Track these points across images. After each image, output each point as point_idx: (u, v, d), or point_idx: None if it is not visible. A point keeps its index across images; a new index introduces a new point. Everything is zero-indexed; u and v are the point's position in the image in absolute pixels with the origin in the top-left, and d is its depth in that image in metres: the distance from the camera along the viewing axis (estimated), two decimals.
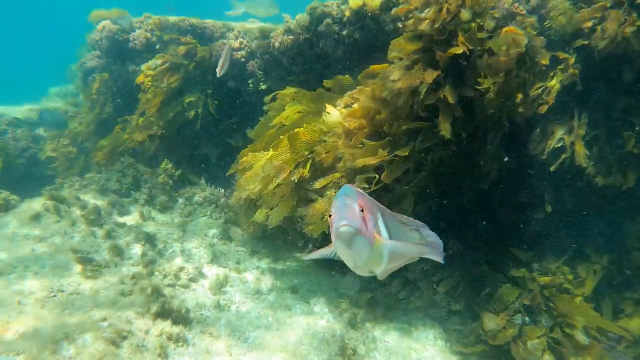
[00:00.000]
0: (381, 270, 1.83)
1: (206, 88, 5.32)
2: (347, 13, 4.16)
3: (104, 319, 2.87)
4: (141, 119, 5.38)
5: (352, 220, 1.46)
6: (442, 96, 2.65)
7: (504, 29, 3.26)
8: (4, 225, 4.32)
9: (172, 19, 5.69)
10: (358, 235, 1.49)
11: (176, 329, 3.09)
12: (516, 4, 4.42)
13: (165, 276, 3.93)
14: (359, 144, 2.93)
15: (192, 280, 4.05)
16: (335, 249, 1.60)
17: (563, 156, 3.77)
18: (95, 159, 5.41)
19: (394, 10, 3.10)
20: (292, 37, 4.49)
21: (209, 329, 3.39)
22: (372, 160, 2.80)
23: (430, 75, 2.62)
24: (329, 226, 1.76)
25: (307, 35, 4.28)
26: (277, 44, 4.78)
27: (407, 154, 2.79)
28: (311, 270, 4.52)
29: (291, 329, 3.68)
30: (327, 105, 3.36)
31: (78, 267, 3.67)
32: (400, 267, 2.07)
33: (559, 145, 3.80)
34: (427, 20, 2.66)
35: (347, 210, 1.48)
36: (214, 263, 4.43)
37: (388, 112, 2.82)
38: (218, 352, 3.18)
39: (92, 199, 4.94)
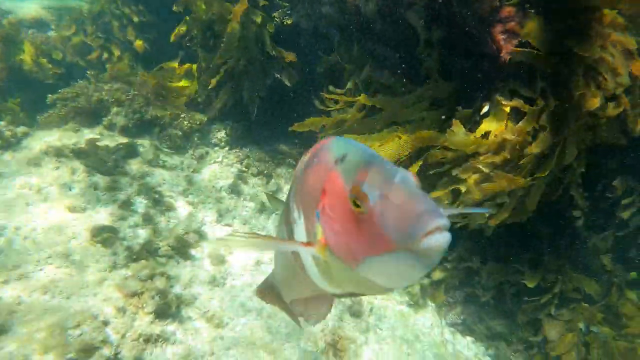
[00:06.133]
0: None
1: None
2: None
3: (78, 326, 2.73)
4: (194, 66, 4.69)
5: (444, 216, 0.82)
6: None
7: None
8: (5, 166, 4.13)
9: None
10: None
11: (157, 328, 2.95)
12: None
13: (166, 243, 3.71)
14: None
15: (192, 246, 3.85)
16: (381, 267, 0.88)
17: None
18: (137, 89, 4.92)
19: None
20: None
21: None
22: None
23: None
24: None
25: None
26: None
27: (546, 173, 2.84)
28: None
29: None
30: (454, 121, 3.02)
31: (69, 232, 3.52)
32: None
33: None
34: None
35: (429, 200, 0.84)
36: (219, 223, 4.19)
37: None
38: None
39: (96, 135, 4.63)
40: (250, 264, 3.89)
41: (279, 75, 4.66)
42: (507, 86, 3.10)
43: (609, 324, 3.87)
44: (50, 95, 5.14)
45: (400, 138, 3.29)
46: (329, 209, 0.97)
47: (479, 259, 3.91)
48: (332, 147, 1.05)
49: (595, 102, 3.02)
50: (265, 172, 4.79)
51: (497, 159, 2.99)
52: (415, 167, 3.15)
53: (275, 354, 3.14)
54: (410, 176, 0.90)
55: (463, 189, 3.06)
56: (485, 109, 3.05)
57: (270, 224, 4.34)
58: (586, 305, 3.75)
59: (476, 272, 3.94)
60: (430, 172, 3.21)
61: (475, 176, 3.05)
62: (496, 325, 3.99)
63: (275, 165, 4.93)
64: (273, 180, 4.75)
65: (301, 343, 3.28)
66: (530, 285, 3.68)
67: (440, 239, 0.79)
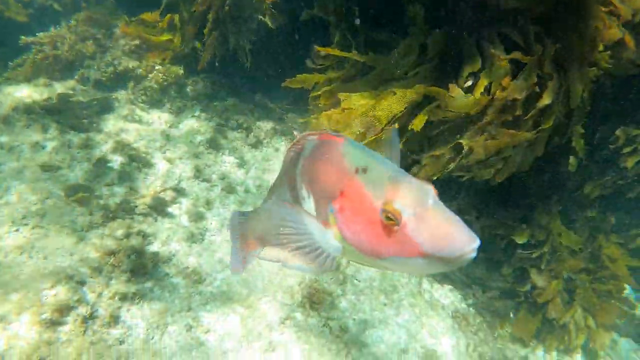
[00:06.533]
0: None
1: None
2: None
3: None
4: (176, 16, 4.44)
5: (476, 238, 1.04)
6: None
7: None
8: None
9: None
10: None
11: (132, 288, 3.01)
12: None
13: (142, 201, 3.70)
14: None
15: (169, 204, 3.84)
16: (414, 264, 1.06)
17: None
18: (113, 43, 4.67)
19: None
20: None
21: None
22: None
23: None
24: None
25: None
26: None
27: (551, 123, 2.85)
28: None
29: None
30: (451, 85, 2.90)
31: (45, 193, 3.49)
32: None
33: None
34: None
35: (463, 223, 1.07)
36: (197, 178, 4.15)
37: None
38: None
39: (69, 90, 4.47)
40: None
41: (261, 17, 4.43)
42: (495, 32, 2.93)
43: (587, 272, 3.96)
44: (23, 37, 4.90)
45: (395, 94, 3.15)
46: (351, 213, 1.11)
47: (475, 213, 3.90)
48: (346, 152, 1.17)
49: (615, 33, 2.86)
50: (245, 125, 4.69)
51: (507, 117, 2.87)
52: (421, 122, 3.02)
53: (252, 308, 3.23)
54: (437, 197, 1.07)
55: (466, 145, 2.97)
56: (469, 83, 2.91)
57: (249, 179, 4.31)
58: (569, 257, 3.82)
59: (470, 225, 3.94)
60: (434, 133, 3.13)
61: (482, 137, 2.96)
62: (475, 271, 4.08)
63: (256, 119, 4.82)
64: (253, 134, 4.66)
65: (278, 297, 3.36)
66: (520, 241, 3.72)
67: (471, 256, 1.00)
